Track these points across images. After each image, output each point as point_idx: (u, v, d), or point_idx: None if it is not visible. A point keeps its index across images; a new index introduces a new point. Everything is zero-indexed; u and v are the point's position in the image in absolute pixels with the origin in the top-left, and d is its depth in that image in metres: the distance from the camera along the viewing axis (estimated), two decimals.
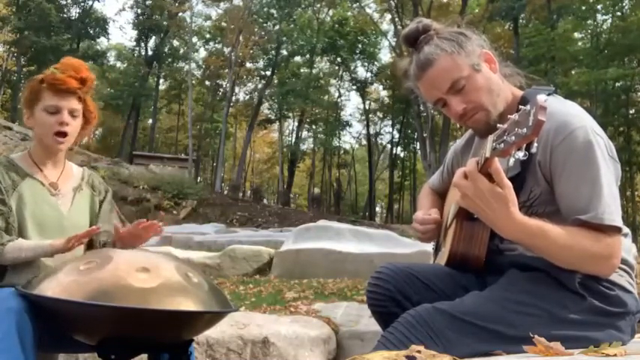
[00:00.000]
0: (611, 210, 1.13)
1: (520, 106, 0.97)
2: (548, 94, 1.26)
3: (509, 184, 1.08)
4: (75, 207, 1.69)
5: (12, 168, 1.62)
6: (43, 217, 1.61)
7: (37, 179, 1.64)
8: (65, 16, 32.73)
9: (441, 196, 1.66)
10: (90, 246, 1.74)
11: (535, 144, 0.93)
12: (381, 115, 38.54)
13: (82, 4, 33.46)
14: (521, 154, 0.95)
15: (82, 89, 1.66)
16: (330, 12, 33.40)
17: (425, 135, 22.48)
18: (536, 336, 0.95)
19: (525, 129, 0.92)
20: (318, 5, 32.08)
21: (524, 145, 0.94)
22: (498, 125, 1.02)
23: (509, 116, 0.99)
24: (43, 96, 1.62)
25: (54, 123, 1.62)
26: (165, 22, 34.27)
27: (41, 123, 1.63)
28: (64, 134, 1.64)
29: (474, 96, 1.28)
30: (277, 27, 31.07)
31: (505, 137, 0.98)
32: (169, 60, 37.34)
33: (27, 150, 1.71)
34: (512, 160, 0.97)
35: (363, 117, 37.50)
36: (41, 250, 1.52)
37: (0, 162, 1.62)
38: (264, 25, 31.77)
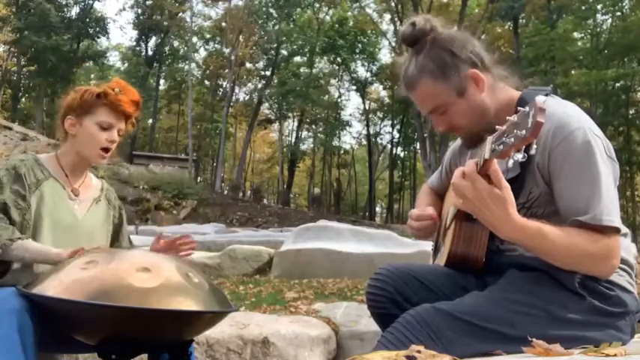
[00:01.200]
0: (610, 211, 1.13)
1: (519, 108, 0.97)
2: (546, 95, 1.26)
3: (507, 185, 1.08)
4: (90, 215, 1.74)
5: (38, 167, 1.66)
6: (60, 219, 1.65)
7: (60, 182, 1.69)
8: (65, 16, 32.70)
9: (440, 196, 1.66)
10: None
11: (534, 146, 0.93)
12: (381, 115, 38.55)
13: (82, 4, 33.46)
14: (520, 156, 0.95)
15: (136, 112, 1.74)
16: (330, 12, 33.40)
17: (425, 135, 22.48)
18: (534, 339, 0.95)
19: (524, 131, 0.92)
20: (318, 5, 32.08)
21: (523, 146, 0.94)
22: (497, 127, 1.02)
23: (507, 117, 0.99)
24: (99, 111, 1.67)
25: (104, 139, 1.68)
26: (165, 22, 34.27)
27: (90, 135, 1.67)
28: (109, 150, 1.70)
29: (454, 120, 1.30)
30: (277, 27, 31.06)
31: (504, 139, 0.98)
32: (169, 60, 37.36)
33: (55, 153, 1.75)
34: (511, 162, 0.97)
35: (363, 117, 37.51)
36: (47, 256, 1.52)
37: (28, 159, 1.66)
38: (264, 25, 31.77)
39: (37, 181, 1.63)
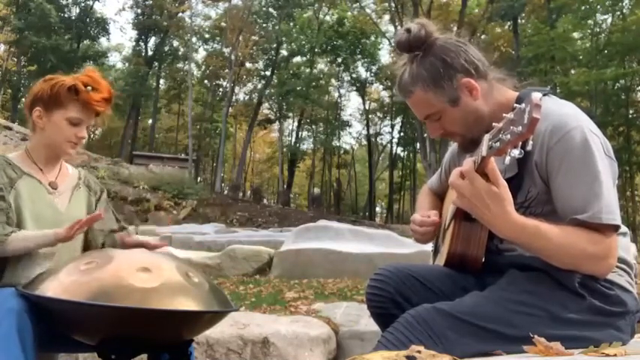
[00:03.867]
0: (609, 209, 1.13)
1: (515, 105, 0.97)
2: (544, 94, 1.26)
3: (504, 183, 1.09)
4: (72, 205, 1.71)
5: (9, 166, 1.62)
6: (41, 215, 1.62)
7: (35, 178, 1.66)
8: (65, 16, 32.72)
9: (439, 197, 1.66)
10: (87, 247, 1.76)
11: (530, 142, 0.94)
12: (381, 115, 38.56)
13: (82, 4, 33.47)
14: (516, 152, 0.95)
15: (107, 108, 1.70)
16: (330, 12, 33.40)
17: (425, 135, 22.47)
18: (536, 336, 0.95)
19: (520, 127, 0.92)
20: (318, 5, 32.07)
21: (520, 142, 0.95)
22: (494, 124, 1.03)
23: (504, 115, 1.00)
24: (69, 106, 1.63)
25: (73, 135, 1.65)
26: (165, 22, 34.27)
27: (59, 130, 1.64)
28: (76, 145, 1.68)
29: (449, 127, 1.32)
30: (277, 27, 31.07)
31: (500, 136, 0.98)
32: (169, 60, 37.37)
33: (24, 149, 1.71)
34: (508, 159, 0.97)
35: (363, 117, 37.52)
36: (45, 238, 1.52)
37: None
38: (264, 25, 31.77)
39: (10, 180, 1.59)
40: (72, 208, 1.70)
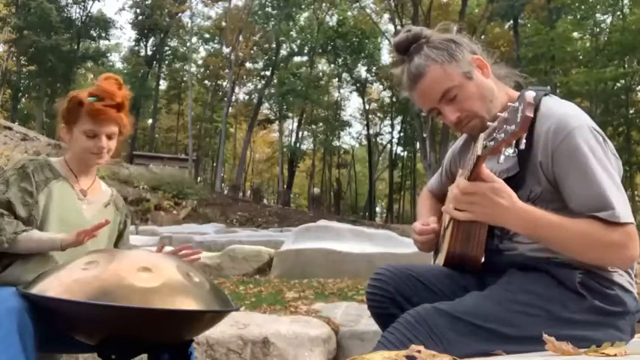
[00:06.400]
0: (622, 207, 1.13)
1: (509, 104, 0.98)
2: (545, 94, 1.27)
3: (501, 180, 1.11)
4: (98, 217, 1.72)
5: (47, 167, 1.69)
6: (67, 218, 1.66)
7: (69, 182, 1.71)
8: (66, 15, 32.73)
9: (440, 198, 1.66)
10: None
11: (524, 140, 0.95)
12: (381, 115, 38.58)
13: (83, 4, 33.48)
14: (510, 151, 0.96)
15: (119, 115, 1.69)
16: (330, 12, 33.41)
17: (425, 135, 22.50)
18: (545, 336, 0.95)
19: (514, 125, 0.93)
20: (318, 5, 32.07)
21: (514, 141, 0.95)
22: (489, 123, 1.04)
23: (498, 114, 1.01)
24: (82, 120, 1.66)
25: (92, 146, 1.67)
26: (165, 22, 34.27)
27: (79, 144, 1.68)
28: (100, 155, 1.70)
29: (466, 104, 1.28)
30: (277, 27, 31.08)
31: (495, 135, 0.99)
32: (169, 60, 37.36)
33: (63, 157, 1.77)
34: (502, 158, 0.98)
35: (363, 117, 37.53)
36: (53, 243, 1.54)
37: (39, 160, 1.70)
38: (264, 25, 31.78)
39: (46, 179, 1.65)
40: (97, 219, 1.70)
